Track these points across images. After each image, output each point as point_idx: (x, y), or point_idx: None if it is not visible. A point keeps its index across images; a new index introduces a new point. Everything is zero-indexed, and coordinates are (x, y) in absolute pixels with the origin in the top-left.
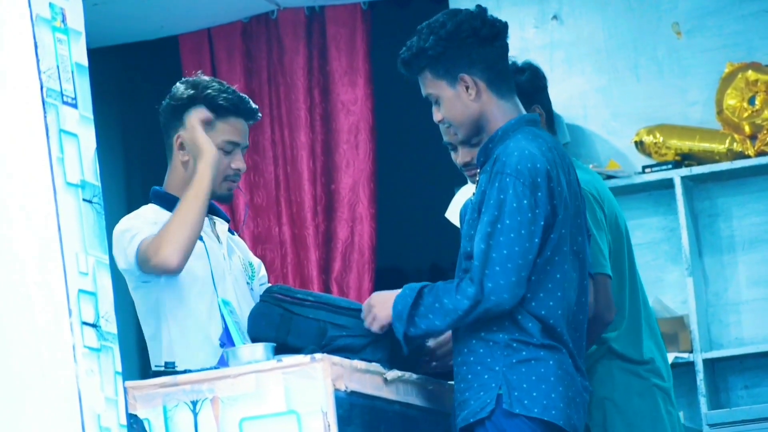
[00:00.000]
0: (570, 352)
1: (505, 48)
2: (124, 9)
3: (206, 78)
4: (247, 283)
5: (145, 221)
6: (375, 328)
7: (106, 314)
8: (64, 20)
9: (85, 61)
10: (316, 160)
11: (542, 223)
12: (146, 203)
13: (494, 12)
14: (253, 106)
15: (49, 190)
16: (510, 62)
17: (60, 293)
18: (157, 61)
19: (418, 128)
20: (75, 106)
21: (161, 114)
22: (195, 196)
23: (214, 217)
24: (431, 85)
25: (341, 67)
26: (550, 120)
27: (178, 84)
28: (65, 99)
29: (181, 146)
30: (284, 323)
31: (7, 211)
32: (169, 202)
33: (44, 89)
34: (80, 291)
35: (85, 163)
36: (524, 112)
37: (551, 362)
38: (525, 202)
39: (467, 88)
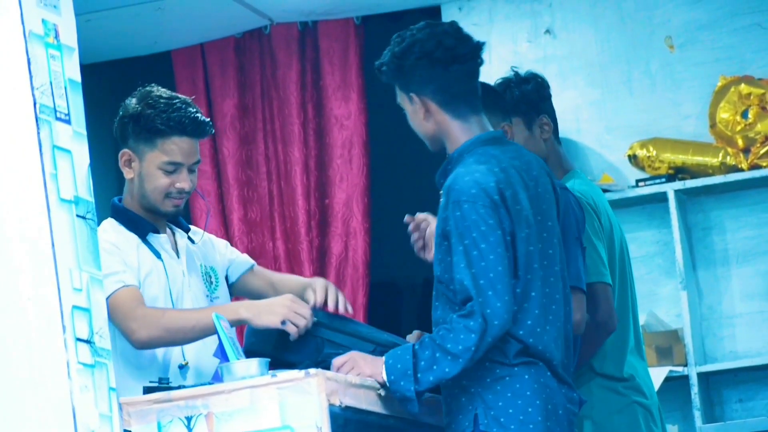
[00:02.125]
0: (553, 366)
1: (465, 72)
2: (117, 24)
3: (156, 94)
4: (207, 296)
5: (114, 256)
6: (352, 373)
7: (100, 330)
8: (57, 36)
9: (78, 77)
10: (309, 175)
11: (508, 238)
12: None
13: (486, 26)
14: (201, 120)
15: (42, 206)
16: (512, 73)
17: (54, 309)
18: (151, 77)
19: (412, 142)
20: (68, 122)
21: (114, 131)
22: (196, 327)
23: (175, 228)
24: (399, 96)
25: (334, 82)
26: (557, 130)
27: (132, 96)
28: (58, 115)
29: (126, 163)
30: (282, 338)
31: (1, 227)
32: (129, 220)
33: (37, 105)
34: (74, 307)
35: (78, 179)
36: (490, 129)
37: (526, 377)
38: (491, 221)
39: (419, 107)
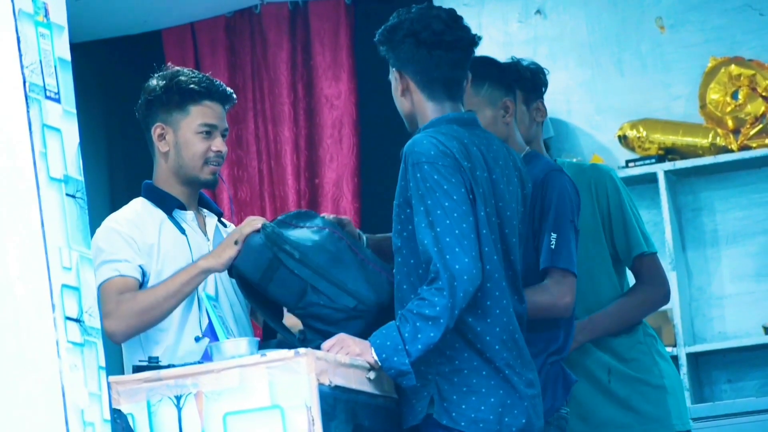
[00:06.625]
0: (506, 360)
1: (449, 60)
2: (107, 3)
3: (177, 68)
4: None
5: (121, 241)
6: (341, 353)
7: (90, 309)
8: (46, 15)
9: (68, 56)
10: (299, 155)
11: (471, 197)
12: (130, 198)
13: (478, 7)
14: (227, 90)
15: (32, 185)
16: (512, 60)
17: (43, 288)
18: (141, 56)
19: (402, 123)
20: (58, 100)
21: (138, 111)
22: (167, 294)
23: (204, 210)
24: (390, 69)
25: (325, 62)
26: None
27: (151, 79)
28: (48, 94)
29: (160, 137)
30: (270, 270)
31: None
32: (157, 196)
33: (27, 84)
34: (63, 286)
35: (68, 157)
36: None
37: (484, 372)
38: (453, 180)
39: (398, 83)
